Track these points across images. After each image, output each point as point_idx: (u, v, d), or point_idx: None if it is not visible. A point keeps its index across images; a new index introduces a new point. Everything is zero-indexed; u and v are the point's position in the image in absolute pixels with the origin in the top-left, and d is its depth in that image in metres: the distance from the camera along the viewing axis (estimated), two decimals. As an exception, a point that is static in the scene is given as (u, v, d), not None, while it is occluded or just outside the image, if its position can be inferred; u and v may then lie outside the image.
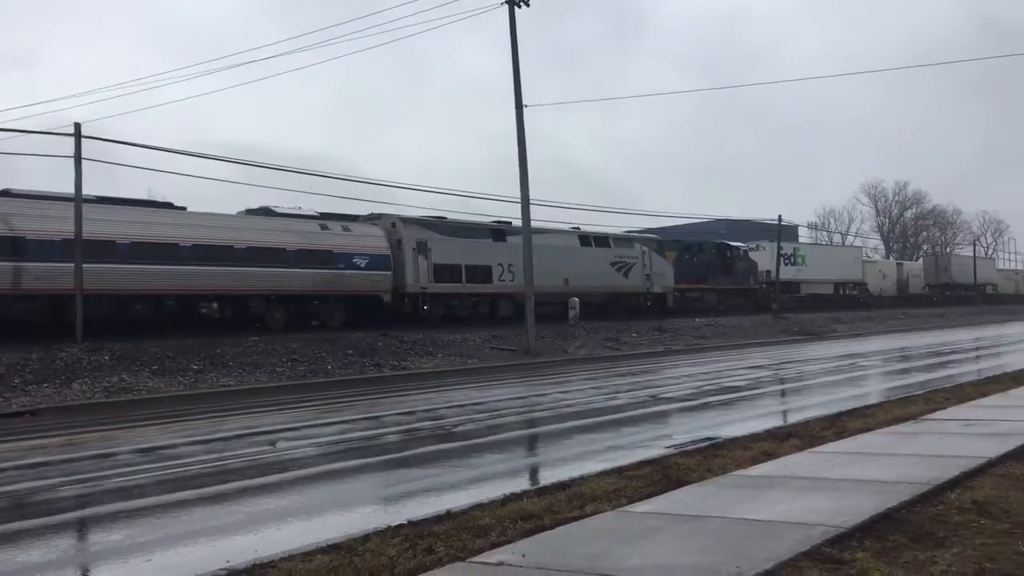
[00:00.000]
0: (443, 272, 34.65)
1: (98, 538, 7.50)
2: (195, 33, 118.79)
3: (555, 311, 37.33)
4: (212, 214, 30.50)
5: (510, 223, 36.99)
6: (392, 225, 34.02)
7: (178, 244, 27.44)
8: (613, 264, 42.92)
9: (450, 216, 38.30)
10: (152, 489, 9.32)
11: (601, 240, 43.57)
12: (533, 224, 31.59)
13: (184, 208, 30.22)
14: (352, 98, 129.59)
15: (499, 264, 36.64)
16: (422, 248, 33.94)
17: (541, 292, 32.89)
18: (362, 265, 31.77)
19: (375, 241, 32.74)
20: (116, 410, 18.75)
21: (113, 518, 8.02)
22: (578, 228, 42.90)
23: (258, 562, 5.83)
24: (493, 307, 37.46)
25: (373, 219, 34.48)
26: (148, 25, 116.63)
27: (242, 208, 32.89)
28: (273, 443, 12.65)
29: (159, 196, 38.85)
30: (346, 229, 32.37)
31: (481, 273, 36.22)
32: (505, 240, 37.37)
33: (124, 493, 9.16)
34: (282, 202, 33.04)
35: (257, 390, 22.03)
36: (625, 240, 45.57)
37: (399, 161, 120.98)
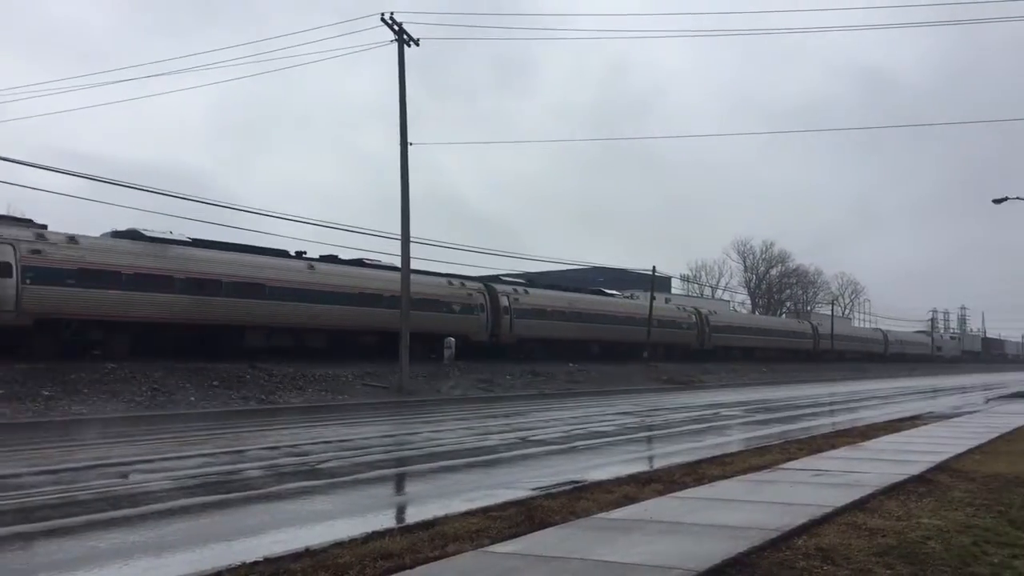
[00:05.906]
0: None
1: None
2: (71, 44, 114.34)
3: None
4: None
5: None
6: None
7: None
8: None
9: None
10: (-12, 521, 8.73)
11: None
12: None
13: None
14: (226, 123, 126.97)
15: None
16: None
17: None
18: None
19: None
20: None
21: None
22: None
23: (99, 599, 5.54)
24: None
25: None
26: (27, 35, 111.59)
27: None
28: (126, 475, 12.08)
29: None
30: None
31: None
32: None
33: (-44, 525, 8.55)
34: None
35: (113, 419, 21.03)
36: None
37: (271, 188, 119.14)
